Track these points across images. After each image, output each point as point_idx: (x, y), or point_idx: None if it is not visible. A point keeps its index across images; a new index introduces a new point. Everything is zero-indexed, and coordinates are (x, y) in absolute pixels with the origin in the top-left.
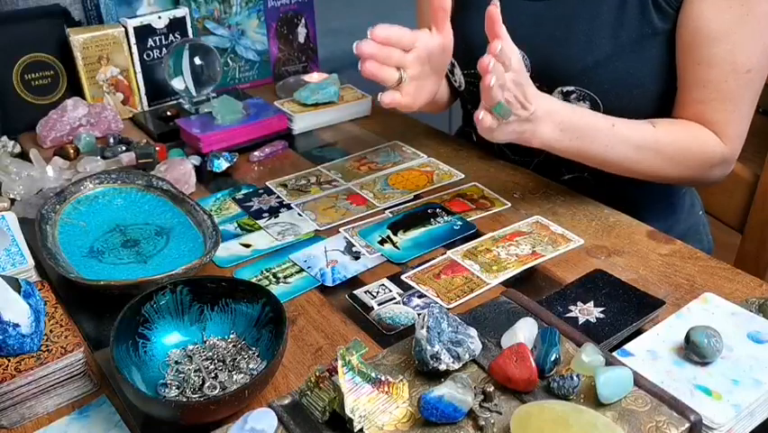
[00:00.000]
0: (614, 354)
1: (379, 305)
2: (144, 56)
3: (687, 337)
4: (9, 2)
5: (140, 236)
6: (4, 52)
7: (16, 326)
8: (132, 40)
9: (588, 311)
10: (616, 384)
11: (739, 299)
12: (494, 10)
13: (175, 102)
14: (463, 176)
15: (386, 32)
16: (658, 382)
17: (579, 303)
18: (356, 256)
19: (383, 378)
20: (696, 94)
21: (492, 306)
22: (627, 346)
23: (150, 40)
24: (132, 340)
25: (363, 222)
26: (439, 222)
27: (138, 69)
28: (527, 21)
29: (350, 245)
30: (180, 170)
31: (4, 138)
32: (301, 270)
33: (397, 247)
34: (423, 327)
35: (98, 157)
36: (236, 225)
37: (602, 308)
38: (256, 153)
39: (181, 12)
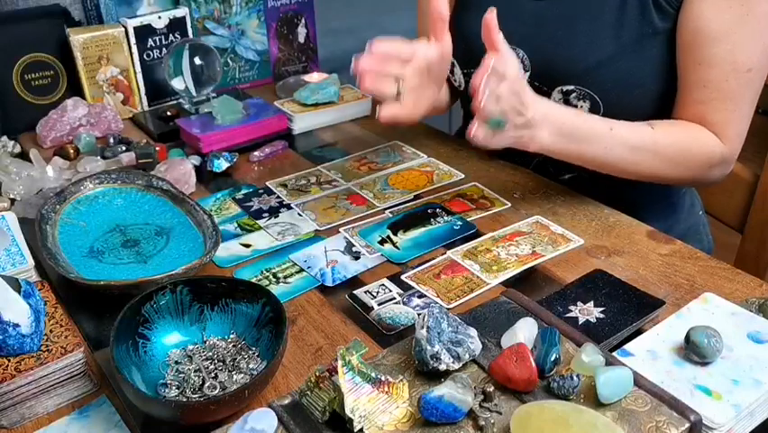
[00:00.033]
0: (614, 354)
1: (379, 305)
2: (144, 56)
3: (687, 337)
4: (9, 2)
5: (140, 236)
6: (4, 52)
7: (16, 326)
8: (132, 40)
9: (588, 311)
10: (616, 384)
11: (739, 299)
12: (491, 17)
13: (175, 102)
14: (463, 176)
15: (384, 47)
16: (658, 382)
17: (579, 303)
18: (356, 256)
19: (383, 378)
20: (696, 94)
21: (492, 306)
22: (627, 346)
23: (150, 40)
24: (132, 340)
25: (363, 222)
26: (439, 222)
27: (138, 69)
28: (529, 20)
29: (350, 245)
30: (180, 170)
31: (4, 138)
32: (301, 270)
33: (397, 247)
34: (423, 327)
35: (98, 157)
36: (236, 225)
37: (602, 308)
38: (256, 153)
39: (181, 12)
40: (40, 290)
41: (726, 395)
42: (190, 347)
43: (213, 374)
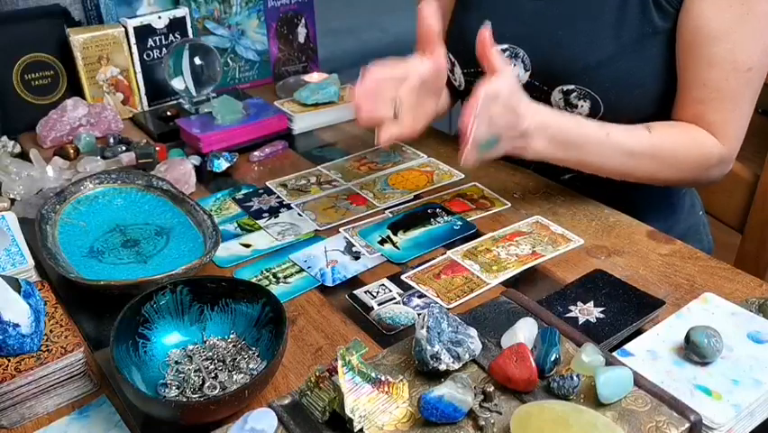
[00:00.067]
0: (614, 354)
1: (379, 305)
2: (144, 56)
3: (687, 337)
4: (9, 2)
5: (140, 236)
6: (4, 52)
7: (16, 326)
8: (132, 40)
9: (588, 311)
10: (616, 384)
11: (739, 299)
12: (486, 34)
13: (175, 102)
14: (463, 176)
15: (377, 74)
16: (658, 382)
17: (579, 303)
18: (356, 256)
19: (383, 378)
20: (696, 93)
21: (492, 306)
22: (627, 346)
23: (150, 40)
24: (132, 340)
25: (363, 222)
26: (439, 222)
27: (138, 69)
28: (528, 20)
29: (350, 245)
30: (180, 170)
31: (4, 138)
32: (301, 270)
33: (397, 247)
34: (423, 327)
35: (98, 157)
36: (236, 225)
37: (602, 308)
38: (256, 153)
39: (181, 12)
40: (40, 290)
41: (726, 395)
42: (190, 347)
43: (213, 374)
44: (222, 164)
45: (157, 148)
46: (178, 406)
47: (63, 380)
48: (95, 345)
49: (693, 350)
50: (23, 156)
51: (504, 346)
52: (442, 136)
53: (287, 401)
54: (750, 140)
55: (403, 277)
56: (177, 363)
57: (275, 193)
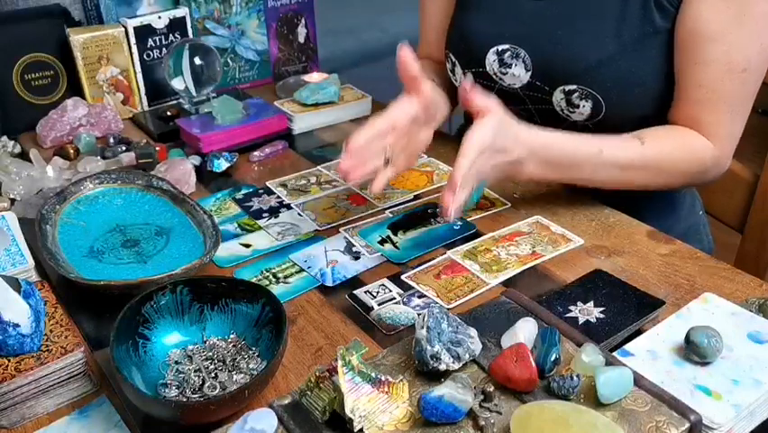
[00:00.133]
0: (614, 354)
1: (379, 305)
2: (144, 56)
3: (687, 337)
4: (9, 2)
5: (140, 236)
6: (4, 52)
7: (16, 326)
8: (132, 40)
9: (588, 311)
10: (616, 384)
11: (739, 299)
12: (467, 87)
13: (175, 102)
14: None
15: (361, 140)
16: (658, 382)
17: (579, 303)
18: (356, 256)
19: (383, 378)
20: (692, 93)
21: (492, 306)
22: (627, 346)
23: (150, 40)
24: (132, 340)
25: (363, 222)
26: (439, 222)
27: (138, 69)
28: (528, 20)
29: (350, 245)
30: (180, 170)
31: (4, 138)
32: (301, 270)
33: (397, 247)
34: (423, 327)
35: (98, 157)
36: (236, 225)
37: (602, 308)
38: (256, 153)
39: (181, 12)
40: (40, 290)
41: (726, 395)
42: (190, 347)
43: (213, 374)
44: (222, 164)
45: (157, 148)
46: (178, 406)
47: (63, 380)
48: (95, 345)
49: (693, 350)
50: (23, 156)
51: (504, 346)
52: (442, 136)
53: (287, 401)
54: (750, 140)
55: (403, 277)
56: (177, 363)
57: (275, 193)
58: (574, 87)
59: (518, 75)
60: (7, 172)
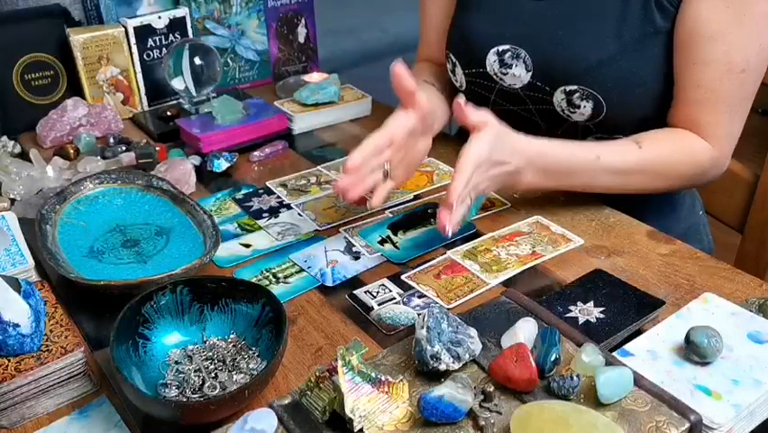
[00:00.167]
0: (614, 354)
1: (379, 305)
2: (144, 56)
3: (687, 337)
4: (9, 2)
5: (140, 236)
6: (4, 52)
7: (16, 326)
8: (132, 40)
9: (588, 311)
10: (616, 384)
11: (739, 299)
12: (459, 102)
13: (175, 102)
14: None
15: (359, 159)
16: (658, 382)
17: (579, 303)
18: (356, 256)
19: (383, 378)
20: (690, 94)
21: (492, 306)
22: (627, 346)
23: (150, 40)
24: (132, 340)
25: (363, 222)
26: None
27: (138, 69)
28: (529, 20)
29: (350, 245)
30: (180, 170)
31: (4, 138)
32: (301, 270)
33: (397, 247)
34: (423, 327)
35: (98, 157)
36: (236, 225)
37: (602, 308)
38: (256, 153)
39: (181, 12)
40: (40, 290)
41: (726, 395)
42: (190, 347)
43: (213, 374)
44: (222, 164)
45: (157, 148)
46: (178, 406)
47: (63, 380)
48: (95, 345)
49: (693, 350)
50: (23, 156)
51: (504, 346)
52: (442, 136)
53: (287, 401)
54: (750, 140)
55: (403, 277)
56: (177, 363)
57: (275, 193)
58: (575, 87)
59: (519, 75)
60: (7, 172)
